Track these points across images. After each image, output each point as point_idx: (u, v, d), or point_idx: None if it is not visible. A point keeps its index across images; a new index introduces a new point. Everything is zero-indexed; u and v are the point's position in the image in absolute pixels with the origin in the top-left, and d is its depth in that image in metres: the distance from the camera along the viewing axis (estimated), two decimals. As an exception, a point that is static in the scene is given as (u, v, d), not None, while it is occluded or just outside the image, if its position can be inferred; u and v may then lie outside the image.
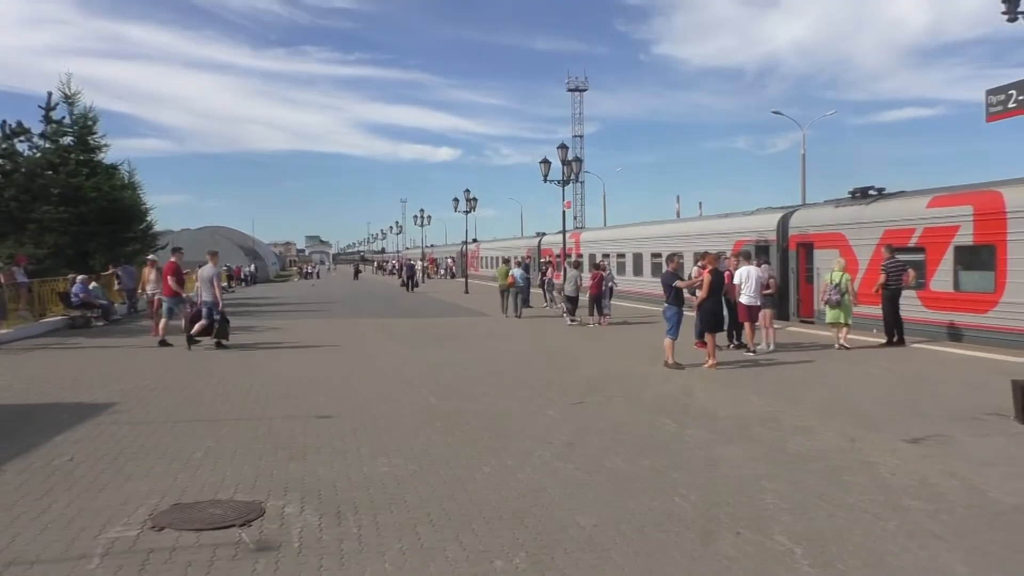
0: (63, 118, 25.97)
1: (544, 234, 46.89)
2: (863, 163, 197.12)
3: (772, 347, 14.40)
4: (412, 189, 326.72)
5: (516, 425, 8.16)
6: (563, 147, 23.05)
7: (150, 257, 20.52)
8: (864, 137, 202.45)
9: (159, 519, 5.14)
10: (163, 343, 15.27)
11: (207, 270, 15.25)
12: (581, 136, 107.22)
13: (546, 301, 27.49)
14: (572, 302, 20.72)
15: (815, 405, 9.18)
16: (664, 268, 19.05)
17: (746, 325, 14.12)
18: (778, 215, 22.66)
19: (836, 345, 14.50)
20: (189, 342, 14.78)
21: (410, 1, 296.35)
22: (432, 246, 79.10)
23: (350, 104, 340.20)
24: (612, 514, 5.27)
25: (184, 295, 16.04)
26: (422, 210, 56.28)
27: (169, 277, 15.58)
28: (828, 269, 15.85)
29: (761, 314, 14.39)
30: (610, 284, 21.36)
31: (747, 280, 14.04)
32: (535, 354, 14.22)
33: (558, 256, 36.47)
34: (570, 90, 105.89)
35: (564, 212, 23.68)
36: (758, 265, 14.85)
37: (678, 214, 60.72)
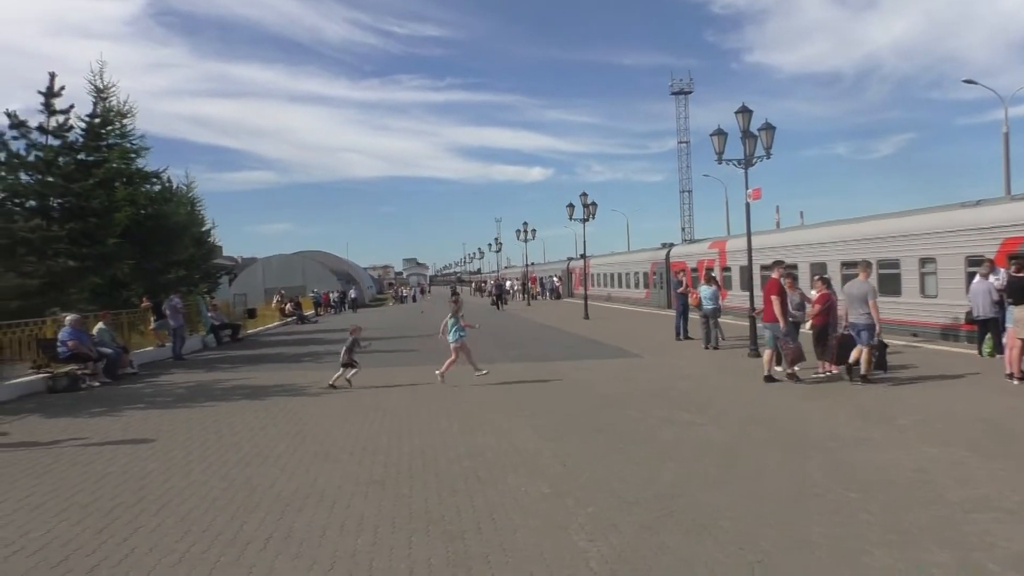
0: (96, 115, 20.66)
1: (673, 245, 39.37)
2: (975, 166, 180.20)
3: None
4: (506, 209, 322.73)
5: None
6: (744, 111, 15.78)
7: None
8: (974, 138, 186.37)
9: None
10: (769, 378, 12.16)
11: (858, 285, 11.78)
12: (687, 142, 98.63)
13: (704, 336, 19.03)
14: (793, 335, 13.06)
15: None
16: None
17: None
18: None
19: None
20: (850, 374, 11.77)
21: (498, 25, 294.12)
22: (532, 264, 72.42)
23: (443, 129, 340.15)
24: None
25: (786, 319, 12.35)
26: (525, 223, 49.74)
27: (772, 297, 12.33)
28: None
29: None
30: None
31: None
32: (829, 478, 6.97)
33: (694, 270, 29.05)
34: (674, 93, 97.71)
35: (748, 205, 16.19)
36: None
37: (778, 224, 53.27)
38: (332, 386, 12.93)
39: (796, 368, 12.28)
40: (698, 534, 5.25)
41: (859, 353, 11.62)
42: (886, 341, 12.86)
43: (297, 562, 4.99)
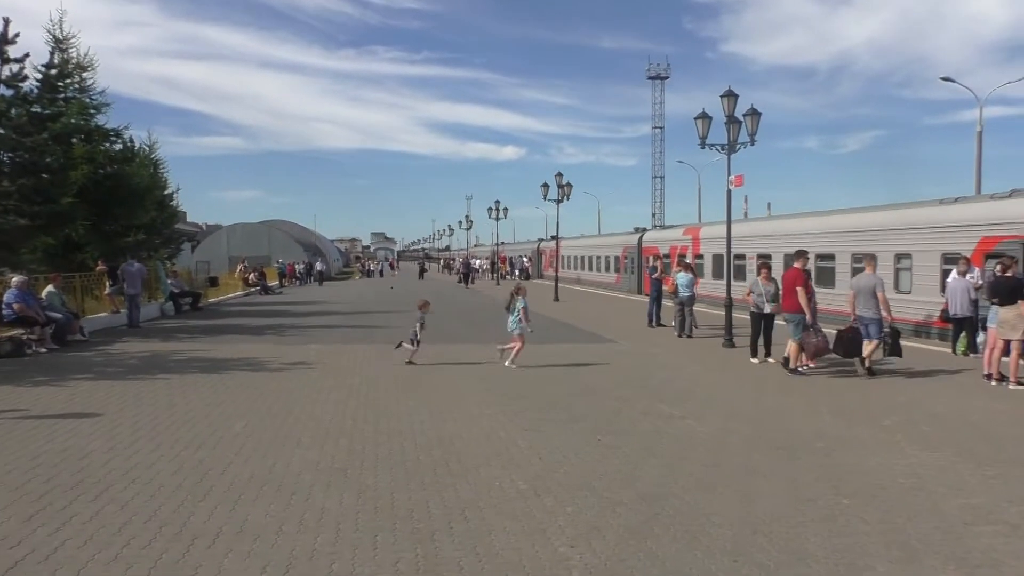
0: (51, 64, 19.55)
1: (645, 230, 39.18)
2: (940, 165, 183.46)
3: None
4: (477, 187, 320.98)
5: None
6: (730, 95, 15.39)
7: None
8: (942, 138, 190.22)
9: None
10: (794, 371, 11.94)
11: (866, 278, 11.79)
12: (661, 128, 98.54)
13: (679, 324, 18.73)
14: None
15: None
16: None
17: None
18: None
19: None
20: (863, 364, 11.70)
21: (476, 1, 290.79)
22: (503, 244, 71.82)
23: (417, 103, 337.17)
24: None
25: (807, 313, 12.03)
26: (497, 202, 49.18)
27: (798, 288, 11.98)
28: None
29: None
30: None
31: None
32: (820, 481, 6.67)
33: (666, 256, 28.83)
34: (651, 78, 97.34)
35: (729, 192, 15.83)
36: None
37: (745, 214, 53.82)
38: (411, 362, 12.52)
39: (812, 364, 12.24)
40: (688, 542, 4.87)
41: (871, 347, 11.62)
42: (898, 328, 12.75)
43: (249, 561, 4.50)
